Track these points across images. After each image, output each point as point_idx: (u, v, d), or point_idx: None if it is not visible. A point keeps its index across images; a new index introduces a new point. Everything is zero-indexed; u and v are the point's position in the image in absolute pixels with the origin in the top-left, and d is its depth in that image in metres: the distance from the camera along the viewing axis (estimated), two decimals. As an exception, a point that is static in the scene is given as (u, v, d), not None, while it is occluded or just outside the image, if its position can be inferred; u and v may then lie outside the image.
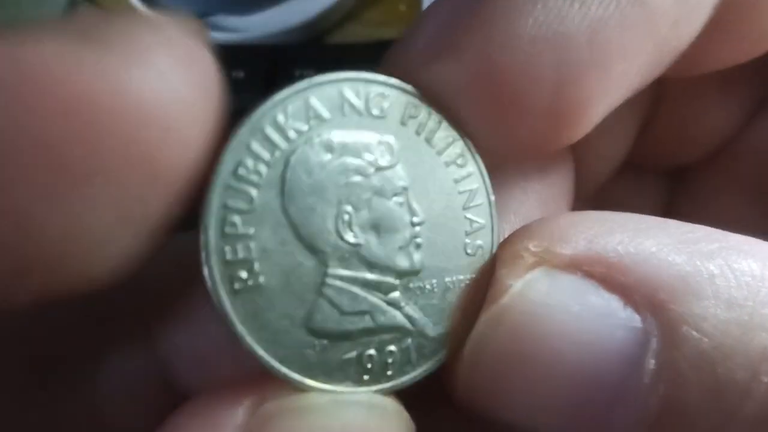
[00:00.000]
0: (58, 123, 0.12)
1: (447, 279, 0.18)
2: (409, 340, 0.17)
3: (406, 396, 0.18)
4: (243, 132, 0.16)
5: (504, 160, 0.20)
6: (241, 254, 0.16)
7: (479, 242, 0.18)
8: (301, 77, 0.17)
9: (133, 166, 0.13)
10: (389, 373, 0.17)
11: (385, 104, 0.18)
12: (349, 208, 0.17)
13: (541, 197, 0.22)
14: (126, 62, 0.13)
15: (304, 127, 0.16)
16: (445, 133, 0.18)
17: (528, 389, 0.16)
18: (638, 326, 0.15)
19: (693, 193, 0.29)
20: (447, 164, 0.18)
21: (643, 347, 0.15)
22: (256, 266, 0.16)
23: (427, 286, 0.18)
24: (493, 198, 0.19)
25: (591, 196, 0.28)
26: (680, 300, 0.15)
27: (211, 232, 0.15)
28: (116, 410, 0.20)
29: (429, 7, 0.18)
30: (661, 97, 0.26)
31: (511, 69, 0.16)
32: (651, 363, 0.15)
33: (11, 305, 0.14)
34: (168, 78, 0.13)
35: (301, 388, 0.16)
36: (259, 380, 0.16)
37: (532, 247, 0.16)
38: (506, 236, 0.18)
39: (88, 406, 0.19)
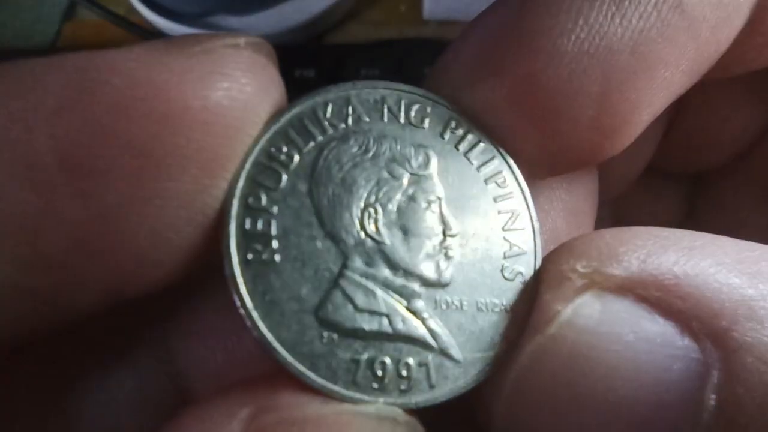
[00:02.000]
0: (151, 126, 0.14)
1: (479, 300, 0.17)
2: (430, 357, 0.16)
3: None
4: (282, 119, 0.16)
5: (546, 176, 0.19)
6: (260, 227, 0.16)
7: (519, 268, 0.18)
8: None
9: (208, 161, 0.14)
10: (403, 387, 0.16)
11: (426, 116, 0.18)
12: (377, 205, 0.16)
13: (567, 206, 0.21)
14: (210, 74, 0.14)
15: (342, 125, 0.17)
16: (485, 150, 0.18)
17: (578, 425, 0.15)
18: (697, 357, 0.14)
19: (714, 198, 0.29)
20: (486, 181, 0.18)
21: (703, 380, 0.14)
22: (274, 244, 0.16)
23: (456, 303, 0.17)
24: (538, 225, 0.18)
25: (613, 201, 0.28)
26: (744, 327, 0.14)
27: (235, 201, 0.15)
28: (131, 420, 0.19)
29: (467, 26, 0.18)
30: (684, 102, 0.25)
31: (556, 85, 0.16)
32: (711, 398, 0.14)
33: (86, 304, 0.15)
34: (243, 88, 0.15)
35: (301, 381, 0.15)
36: (258, 387, 0.15)
37: (580, 267, 0.15)
38: (543, 251, 0.18)
39: (102, 415, 0.19)
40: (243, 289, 0.15)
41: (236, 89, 0.15)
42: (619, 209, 0.29)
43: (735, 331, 0.14)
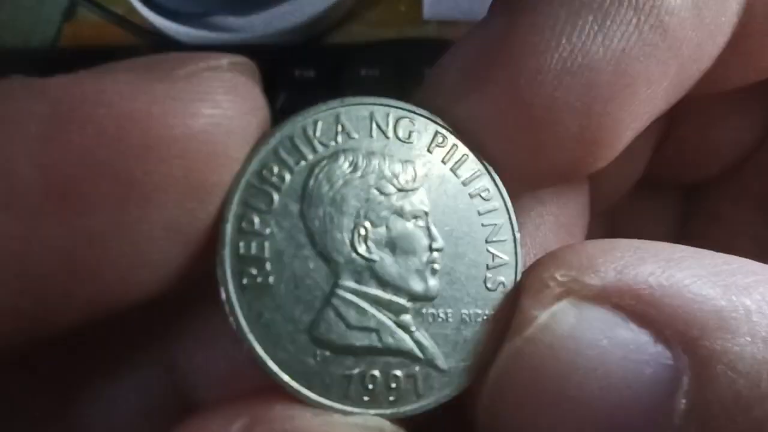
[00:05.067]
0: (136, 155, 0.14)
1: (464, 311, 0.17)
2: (417, 368, 0.17)
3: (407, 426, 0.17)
4: (273, 139, 0.17)
5: (531, 189, 0.20)
6: (254, 251, 0.16)
7: (501, 278, 0.18)
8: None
9: (192, 186, 0.15)
10: (392, 398, 0.16)
11: (413, 131, 0.18)
12: (366, 223, 0.17)
13: (558, 219, 0.21)
14: (193, 101, 0.14)
15: (332, 143, 0.17)
16: (471, 165, 0.18)
17: (552, 426, 0.15)
18: (669, 363, 0.14)
19: (708, 210, 0.28)
20: (471, 195, 0.18)
21: (674, 386, 0.14)
22: (268, 266, 0.16)
23: (441, 315, 0.17)
24: (518, 235, 0.18)
25: (606, 213, 0.28)
26: (714, 337, 0.14)
27: (228, 225, 0.16)
28: (134, 429, 0.20)
29: (456, 44, 0.19)
30: (677, 114, 0.25)
31: (540, 101, 0.16)
32: (682, 403, 0.14)
33: (69, 319, 0.15)
34: (226, 113, 0.15)
35: (297, 398, 0.16)
36: (253, 399, 0.16)
37: (558, 276, 0.16)
38: (529, 263, 0.18)
39: (105, 423, 0.19)
40: (239, 314, 0.16)
41: (219, 115, 0.15)
42: (612, 221, 0.29)
43: (706, 339, 0.14)
